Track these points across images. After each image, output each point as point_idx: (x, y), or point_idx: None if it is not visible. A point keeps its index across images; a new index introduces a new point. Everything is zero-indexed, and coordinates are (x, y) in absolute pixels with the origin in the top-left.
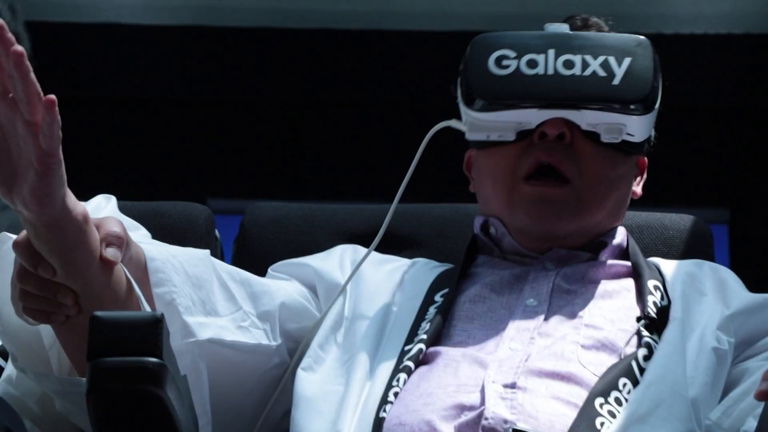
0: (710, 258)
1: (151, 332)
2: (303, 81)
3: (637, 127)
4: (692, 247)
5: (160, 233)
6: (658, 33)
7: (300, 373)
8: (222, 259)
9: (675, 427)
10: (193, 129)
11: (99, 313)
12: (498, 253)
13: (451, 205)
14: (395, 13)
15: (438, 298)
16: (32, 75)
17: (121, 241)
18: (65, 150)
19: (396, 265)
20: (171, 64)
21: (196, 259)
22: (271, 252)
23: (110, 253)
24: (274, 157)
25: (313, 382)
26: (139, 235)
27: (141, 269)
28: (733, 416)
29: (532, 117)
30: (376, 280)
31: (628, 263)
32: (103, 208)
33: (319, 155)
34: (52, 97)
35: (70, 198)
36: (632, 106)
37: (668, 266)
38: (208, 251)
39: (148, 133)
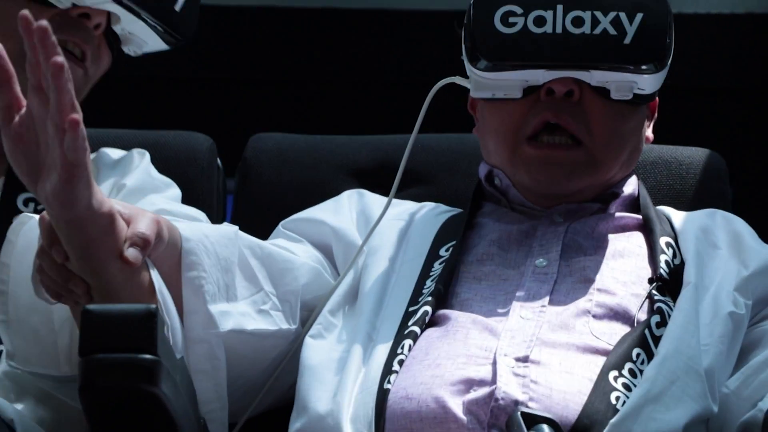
0: (725, 194)
1: (146, 327)
2: (308, 59)
3: (649, 83)
4: (706, 183)
5: (161, 164)
6: None
7: (307, 341)
8: (224, 191)
9: (689, 406)
10: (196, 106)
11: (91, 307)
12: (505, 203)
13: (459, 135)
14: None
15: (443, 252)
16: (69, 85)
17: (146, 243)
18: None
19: (402, 210)
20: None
21: (226, 239)
22: (274, 186)
23: (131, 254)
24: (275, 106)
25: (318, 350)
26: (168, 195)
27: (177, 250)
28: (752, 386)
29: (539, 76)
30: (382, 231)
31: (639, 216)
32: (136, 165)
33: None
34: (75, 117)
35: (96, 198)
36: (644, 66)
37: (680, 219)
38: (236, 228)
39: (149, 112)
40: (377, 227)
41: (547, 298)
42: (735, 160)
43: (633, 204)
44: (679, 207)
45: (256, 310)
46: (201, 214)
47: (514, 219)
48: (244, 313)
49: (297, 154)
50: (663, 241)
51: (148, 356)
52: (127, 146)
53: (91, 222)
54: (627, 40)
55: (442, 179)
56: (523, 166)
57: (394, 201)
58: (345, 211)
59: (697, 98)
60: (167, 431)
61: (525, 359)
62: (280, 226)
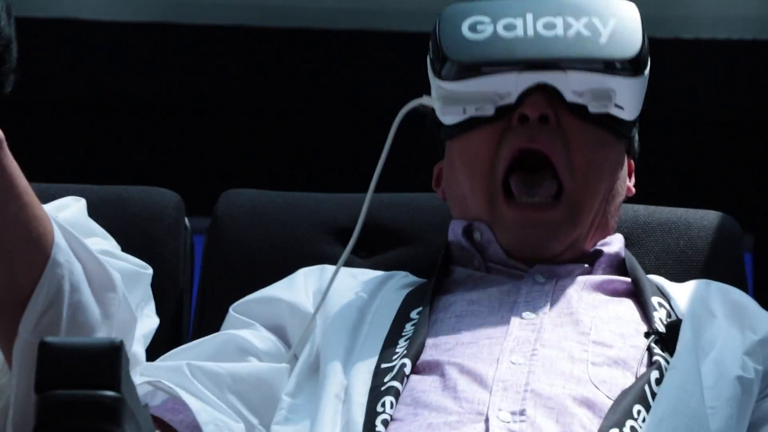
0: (740, 262)
1: (108, 362)
2: (280, 81)
3: (627, 96)
4: (719, 249)
5: (125, 221)
6: (676, 37)
7: (275, 429)
8: (192, 254)
9: None
10: (162, 133)
11: (50, 340)
12: (479, 262)
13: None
14: (382, 12)
15: (414, 315)
16: None
17: None
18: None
19: (366, 278)
20: (136, 64)
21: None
22: (246, 247)
23: None
24: (247, 161)
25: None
26: (110, 244)
27: None
28: None
29: (511, 85)
30: (341, 300)
31: (627, 279)
32: (69, 206)
33: (296, 156)
34: None
35: None
36: (620, 65)
37: (671, 286)
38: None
39: (112, 136)
40: (335, 297)
41: (538, 342)
42: (756, 199)
43: (620, 267)
44: (690, 273)
45: None
46: (147, 267)
47: (493, 282)
48: None
49: (273, 212)
50: (654, 300)
51: (110, 393)
52: (88, 201)
53: None
54: (603, 40)
55: (430, 239)
56: (503, 227)
57: (360, 271)
58: (300, 287)
59: (715, 132)
60: None
61: (521, 413)
62: (231, 310)
